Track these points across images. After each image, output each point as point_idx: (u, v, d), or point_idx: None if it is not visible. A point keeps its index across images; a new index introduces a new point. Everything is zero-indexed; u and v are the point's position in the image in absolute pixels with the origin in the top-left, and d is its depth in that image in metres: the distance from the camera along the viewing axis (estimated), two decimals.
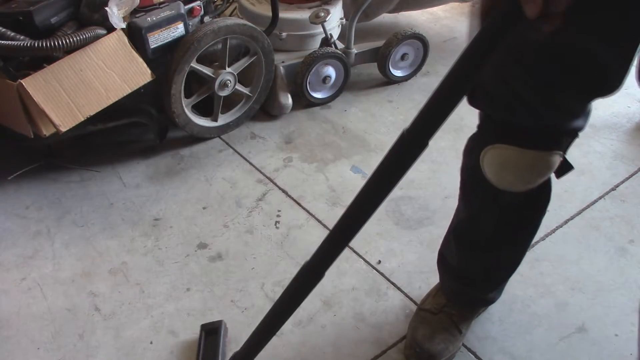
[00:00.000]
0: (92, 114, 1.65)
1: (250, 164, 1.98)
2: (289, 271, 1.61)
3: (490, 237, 1.25)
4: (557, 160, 1.06)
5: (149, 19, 1.71)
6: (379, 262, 1.64)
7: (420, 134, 0.83)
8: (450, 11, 2.92)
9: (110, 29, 1.66)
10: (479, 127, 1.13)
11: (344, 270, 1.61)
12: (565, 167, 1.09)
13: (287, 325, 1.46)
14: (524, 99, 0.97)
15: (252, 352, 1.17)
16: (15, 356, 1.40)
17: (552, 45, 0.88)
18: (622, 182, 1.91)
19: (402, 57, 2.33)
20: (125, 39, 1.68)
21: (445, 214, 1.78)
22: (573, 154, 1.95)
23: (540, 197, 1.18)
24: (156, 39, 1.75)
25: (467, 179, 1.21)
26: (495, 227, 1.22)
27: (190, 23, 1.84)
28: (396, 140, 0.84)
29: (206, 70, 1.90)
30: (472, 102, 1.08)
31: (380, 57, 2.30)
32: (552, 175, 1.11)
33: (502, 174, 1.08)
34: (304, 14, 2.16)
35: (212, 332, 1.41)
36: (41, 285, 1.56)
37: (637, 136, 2.09)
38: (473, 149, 1.14)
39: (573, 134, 1.05)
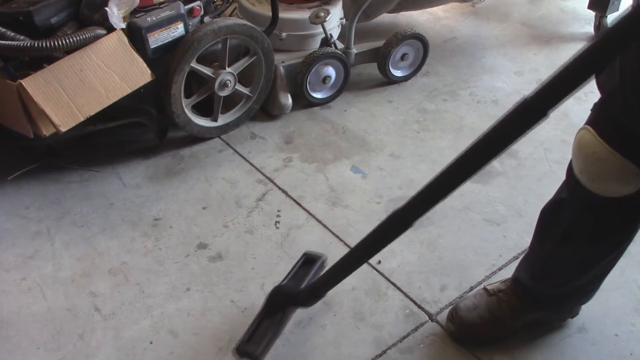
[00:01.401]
0: (92, 114, 1.65)
1: (250, 164, 1.98)
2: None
3: (563, 232, 1.22)
4: (632, 174, 1.01)
5: (149, 19, 1.71)
6: (379, 262, 1.64)
7: (543, 103, 0.81)
8: (450, 11, 2.92)
9: (110, 29, 1.66)
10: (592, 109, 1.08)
11: None
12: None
13: (287, 325, 1.46)
14: None
15: (327, 286, 1.24)
16: (15, 356, 1.40)
17: None
18: None
19: (402, 57, 2.33)
20: (125, 39, 1.68)
21: (445, 214, 1.78)
22: None
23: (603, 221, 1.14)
24: (156, 39, 1.75)
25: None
26: (571, 224, 1.20)
27: (190, 23, 1.84)
28: (516, 105, 0.82)
29: (206, 70, 1.90)
30: (598, 82, 1.03)
31: (380, 57, 2.30)
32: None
33: (576, 154, 1.08)
34: (304, 14, 2.16)
35: (310, 261, 1.47)
36: (41, 285, 1.56)
37: None
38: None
39: None
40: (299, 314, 1.49)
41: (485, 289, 1.45)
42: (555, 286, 1.32)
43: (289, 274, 1.45)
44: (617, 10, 2.65)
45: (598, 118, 1.04)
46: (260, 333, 1.32)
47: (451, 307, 1.46)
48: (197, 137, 2.04)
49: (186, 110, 1.93)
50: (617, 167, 1.02)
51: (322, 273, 1.35)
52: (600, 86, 1.02)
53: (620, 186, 1.05)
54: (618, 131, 1.00)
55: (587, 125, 1.05)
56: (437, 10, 2.91)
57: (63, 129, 1.60)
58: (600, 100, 1.04)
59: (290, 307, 1.35)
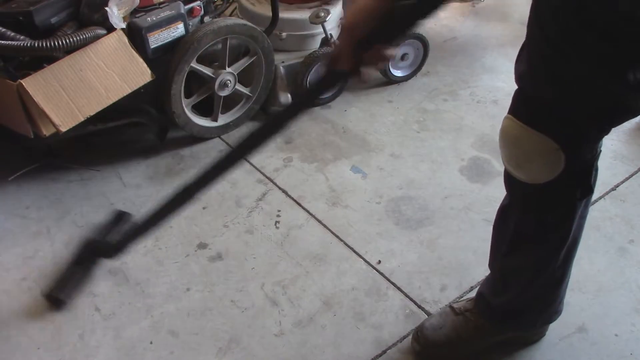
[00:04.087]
0: (92, 114, 1.65)
1: (250, 164, 1.98)
2: (289, 271, 1.61)
3: (510, 240, 1.22)
4: (551, 150, 1.03)
5: (149, 19, 1.71)
6: (379, 262, 1.64)
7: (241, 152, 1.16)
8: (450, 11, 2.92)
9: (110, 29, 1.66)
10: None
11: (344, 270, 1.61)
12: (584, 188, 1.10)
13: (287, 325, 1.46)
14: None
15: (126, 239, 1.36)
16: (15, 356, 1.40)
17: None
18: (622, 182, 1.91)
19: (402, 57, 2.33)
20: (125, 39, 1.68)
21: (445, 214, 1.78)
22: None
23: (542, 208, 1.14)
24: (156, 39, 1.75)
25: None
26: (514, 230, 1.20)
27: (190, 23, 1.84)
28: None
29: (206, 70, 1.90)
30: (515, 76, 1.07)
31: None
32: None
33: (501, 144, 1.11)
34: (304, 14, 2.16)
35: (119, 217, 1.62)
36: (41, 286, 1.56)
37: (637, 136, 2.09)
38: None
39: (581, 141, 1.03)
40: (299, 314, 1.49)
41: (451, 307, 1.41)
42: (512, 299, 1.30)
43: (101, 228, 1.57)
44: None
45: (514, 104, 1.08)
46: (69, 280, 1.47)
47: (416, 326, 1.43)
48: (197, 137, 2.04)
49: (186, 110, 1.93)
50: (536, 144, 1.03)
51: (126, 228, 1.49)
52: (516, 78, 1.06)
53: (544, 167, 1.06)
54: (530, 108, 1.03)
55: (507, 115, 1.08)
56: None
57: (63, 129, 1.60)
58: (516, 90, 1.08)
59: (97, 258, 1.47)
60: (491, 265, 1.35)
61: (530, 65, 1.01)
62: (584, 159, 1.06)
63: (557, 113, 1.00)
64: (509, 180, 1.15)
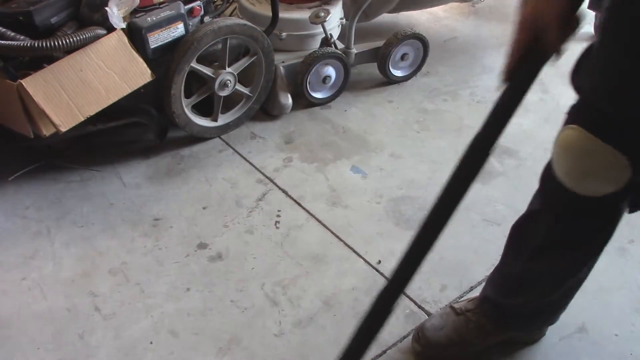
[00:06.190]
0: (92, 114, 1.65)
1: (250, 164, 1.98)
2: (289, 271, 1.61)
3: (538, 246, 1.20)
4: (621, 166, 0.99)
5: (149, 19, 1.71)
6: (379, 262, 1.64)
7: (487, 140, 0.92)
8: (450, 11, 2.92)
9: (110, 29, 1.66)
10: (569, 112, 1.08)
11: (344, 270, 1.61)
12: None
13: (287, 325, 1.46)
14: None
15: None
16: (15, 356, 1.40)
17: None
18: None
19: (402, 57, 2.33)
20: (125, 39, 1.68)
21: None
22: None
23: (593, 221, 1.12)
24: (156, 39, 1.75)
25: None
26: (545, 236, 1.18)
27: (190, 23, 1.84)
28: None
29: (206, 70, 1.90)
30: (575, 87, 1.04)
31: (380, 57, 2.30)
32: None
33: (561, 154, 1.06)
34: (304, 14, 2.16)
35: None
36: (41, 285, 1.56)
37: None
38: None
39: None
40: (299, 314, 1.49)
41: (452, 307, 1.41)
42: (528, 303, 1.29)
43: None
44: None
45: (581, 116, 1.03)
46: None
47: (416, 327, 1.42)
48: (197, 137, 2.04)
49: (186, 110, 1.93)
50: (607, 158, 1.00)
51: None
52: (578, 89, 1.02)
53: (608, 181, 1.03)
54: (602, 122, 0.99)
55: (571, 125, 1.03)
56: (437, 10, 2.91)
57: (63, 129, 1.60)
58: (580, 101, 1.04)
59: None
60: (504, 268, 1.32)
61: (604, 78, 0.96)
62: None
63: (634, 129, 0.96)
64: (548, 187, 1.12)
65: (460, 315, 1.38)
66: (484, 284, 1.41)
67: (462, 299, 1.51)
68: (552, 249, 1.18)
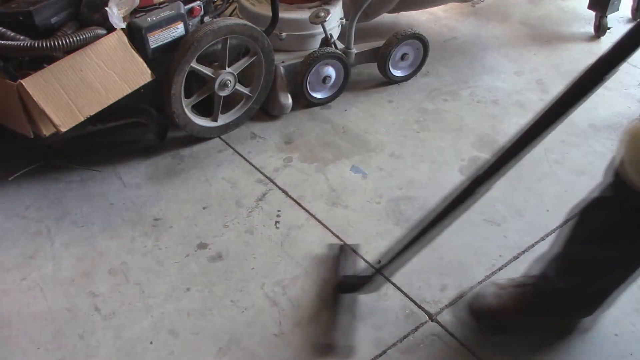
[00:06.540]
0: (92, 114, 1.65)
1: (250, 164, 1.98)
2: (289, 271, 1.61)
3: (604, 231, 1.23)
4: None
5: (149, 19, 1.71)
6: (379, 262, 1.64)
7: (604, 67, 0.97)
8: (450, 11, 2.92)
9: (110, 29, 1.66)
10: None
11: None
12: None
13: (287, 325, 1.46)
14: None
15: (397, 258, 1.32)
16: (15, 356, 1.40)
17: None
18: None
19: (402, 57, 2.33)
20: (125, 39, 1.68)
21: None
22: (573, 153, 1.96)
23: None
24: (156, 39, 1.75)
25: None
26: (617, 223, 1.20)
27: (190, 23, 1.84)
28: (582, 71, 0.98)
29: (206, 70, 1.90)
30: None
31: (380, 57, 2.30)
32: None
33: (632, 145, 1.09)
34: (304, 14, 2.16)
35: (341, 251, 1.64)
36: (41, 285, 1.56)
37: None
38: None
39: None
40: (299, 314, 1.49)
41: (504, 282, 1.45)
42: (586, 285, 1.31)
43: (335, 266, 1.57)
44: (617, 10, 2.65)
45: None
46: (340, 324, 1.45)
47: (474, 291, 1.48)
48: (197, 137, 2.04)
49: (186, 110, 1.93)
50: None
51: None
52: None
53: None
54: None
55: None
56: (437, 10, 2.91)
57: (63, 129, 1.60)
58: None
59: (356, 294, 1.48)
60: (569, 247, 1.33)
61: None
62: None
63: None
64: (623, 183, 1.13)
65: (519, 287, 1.42)
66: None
67: (462, 298, 1.52)
68: (618, 237, 1.21)
